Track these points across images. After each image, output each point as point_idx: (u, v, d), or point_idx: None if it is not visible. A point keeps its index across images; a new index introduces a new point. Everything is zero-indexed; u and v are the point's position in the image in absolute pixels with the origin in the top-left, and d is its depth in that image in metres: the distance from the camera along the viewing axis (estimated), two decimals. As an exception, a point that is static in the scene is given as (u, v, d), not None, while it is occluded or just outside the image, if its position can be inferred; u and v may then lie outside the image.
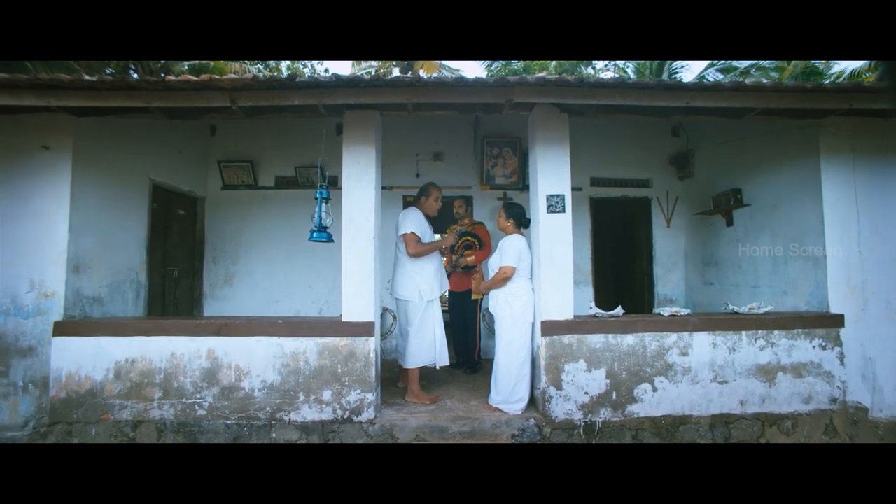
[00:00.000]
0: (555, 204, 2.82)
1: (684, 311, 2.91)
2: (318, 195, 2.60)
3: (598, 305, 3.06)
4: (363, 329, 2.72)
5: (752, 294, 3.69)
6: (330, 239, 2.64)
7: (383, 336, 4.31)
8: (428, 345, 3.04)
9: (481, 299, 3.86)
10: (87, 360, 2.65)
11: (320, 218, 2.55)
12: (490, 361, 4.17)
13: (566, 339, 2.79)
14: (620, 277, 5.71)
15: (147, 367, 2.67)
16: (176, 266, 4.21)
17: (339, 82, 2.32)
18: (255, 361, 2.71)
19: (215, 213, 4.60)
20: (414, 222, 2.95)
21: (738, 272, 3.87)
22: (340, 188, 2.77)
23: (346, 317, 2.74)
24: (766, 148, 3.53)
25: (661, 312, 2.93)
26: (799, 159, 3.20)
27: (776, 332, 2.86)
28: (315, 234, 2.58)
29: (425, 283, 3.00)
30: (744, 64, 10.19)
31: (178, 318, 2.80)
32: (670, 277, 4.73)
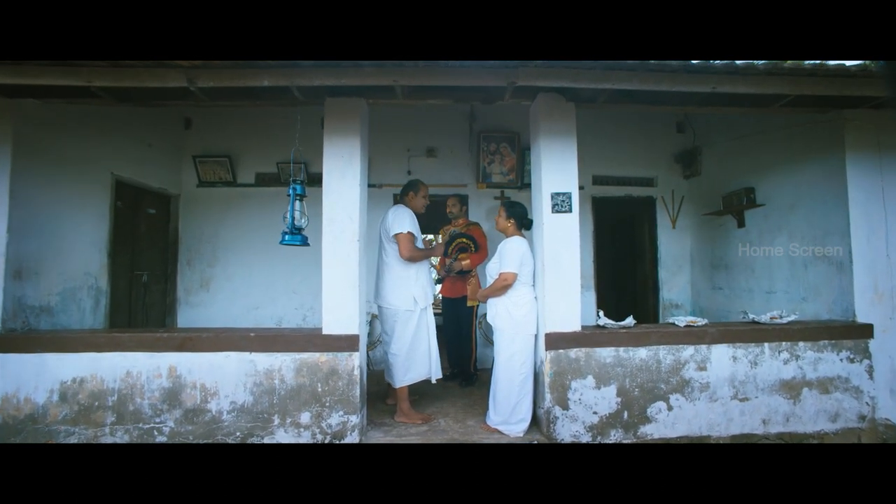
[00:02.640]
0: (560, 203, 2.54)
1: (701, 321, 2.65)
2: (290, 191, 2.27)
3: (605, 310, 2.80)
4: (346, 343, 2.42)
5: (766, 300, 3.45)
6: (305, 242, 2.31)
7: (372, 346, 4.00)
8: (422, 357, 2.76)
9: (477, 306, 3.58)
10: (27, 379, 2.31)
11: (293, 218, 2.22)
12: (486, 372, 3.88)
13: (573, 353, 2.51)
14: (621, 281, 5.47)
15: (98, 387, 2.34)
16: (145, 270, 3.87)
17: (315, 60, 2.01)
18: (224, 380, 2.39)
19: (190, 212, 4.26)
20: (409, 221, 2.67)
21: (751, 276, 3.63)
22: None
23: (328, 329, 2.43)
24: (783, 144, 3.29)
25: (676, 322, 2.67)
26: (820, 156, 2.97)
27: (801, 344, 2.62)
28: (287, 237, 2.24)
29: (420, 288, 2.73)
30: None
31: (135, 331, 2.47)
32: (676, 281, 4.49)
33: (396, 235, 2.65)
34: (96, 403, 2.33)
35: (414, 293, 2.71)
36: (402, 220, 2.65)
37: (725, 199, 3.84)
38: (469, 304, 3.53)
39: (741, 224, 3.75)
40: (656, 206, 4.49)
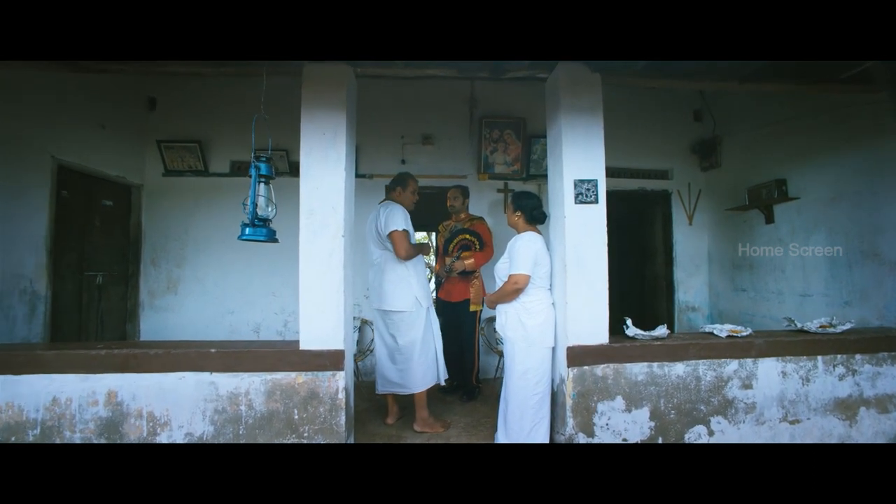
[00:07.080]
0: (585, 192, 2.15)
1: (745, 331, 2.29)
2: (252, 171, 1.79)
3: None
4: (329, 360, 1.99)
5: (800, 303, 3.12)
6: (271, 237, 1.84)
7: (362, 355, 3.58)
8: (432, 360, 2.59)
9: (480, 311, 3.18)
10: (-77, 410, 1.84)
11: (254, 205, 1.75)
12: (489, 384, 3.50)
13: (599, 369, 2.12)
14: (626, 281, 5.11)
15: (15, 418, 1.87)
16: (100, 270, 3.37)
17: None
18: (178, 407, 1.95)
19: (155, 204, 3.77)
20: (402, 218, 2.48)
21: (782, 277, 3.30)
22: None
23: (306, 344, 2.00)
24: (822, 131, 2.95)
25: (716, 332, 2.30)
26: (869, 142, 2.63)
27: (858, 357, 2.27)
28: (248, 231, 1.73)
29: (421, 288, 2.57)
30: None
31: (64, 348, 2.00)
32: (692, 282, 4.15)
33: (391, 234, 2.41)
34: (13, 438, 1.87)
35: (416, 293, 2.53)
36: (396, 218, 2.44)
37: (751, 193, 3.49)
38: (472, 308, 3.12)
39: (770, 219, 3.40)
40: (671, 201, 4.15)
